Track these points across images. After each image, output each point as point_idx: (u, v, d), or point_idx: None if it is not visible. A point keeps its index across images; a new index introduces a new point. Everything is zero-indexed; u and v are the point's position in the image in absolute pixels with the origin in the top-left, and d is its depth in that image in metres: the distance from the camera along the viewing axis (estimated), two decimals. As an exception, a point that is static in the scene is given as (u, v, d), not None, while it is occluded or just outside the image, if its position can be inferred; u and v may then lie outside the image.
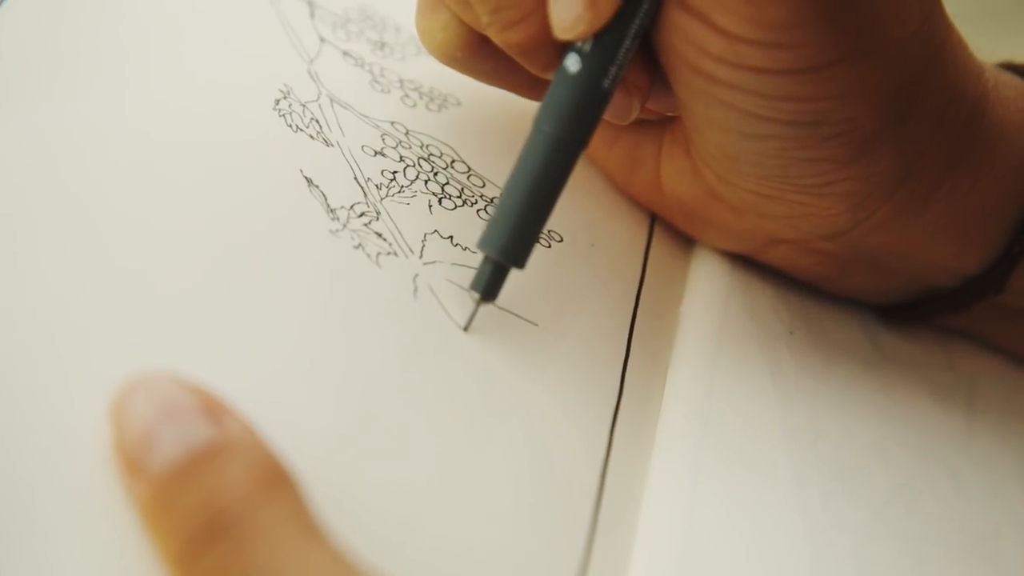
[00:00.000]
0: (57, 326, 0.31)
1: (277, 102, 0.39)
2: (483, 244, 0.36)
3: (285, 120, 0.39)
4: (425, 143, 0.41)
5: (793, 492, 0.37)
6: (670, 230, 0.44)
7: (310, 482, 0.29)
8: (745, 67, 0.34)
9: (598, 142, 0.43)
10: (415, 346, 0.35)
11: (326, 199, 0.37)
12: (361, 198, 0.38)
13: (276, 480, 0.28)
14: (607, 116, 0.37)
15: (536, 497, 0.34)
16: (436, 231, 0.38)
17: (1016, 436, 0.43)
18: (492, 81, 0.39)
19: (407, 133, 0.41)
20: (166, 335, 0.32)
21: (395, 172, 0.39)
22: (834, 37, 0.33)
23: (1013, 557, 0.39)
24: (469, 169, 0.41)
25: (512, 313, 0.38)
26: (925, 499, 0.39)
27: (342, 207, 0.37)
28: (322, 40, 0.43)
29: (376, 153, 0.40)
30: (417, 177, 0.40)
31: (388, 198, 0.38)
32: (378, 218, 0.38)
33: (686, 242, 0.44)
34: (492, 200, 0.41)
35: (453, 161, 0.41)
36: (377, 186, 0.39)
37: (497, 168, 0.41)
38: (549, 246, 0.41)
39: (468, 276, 0.37)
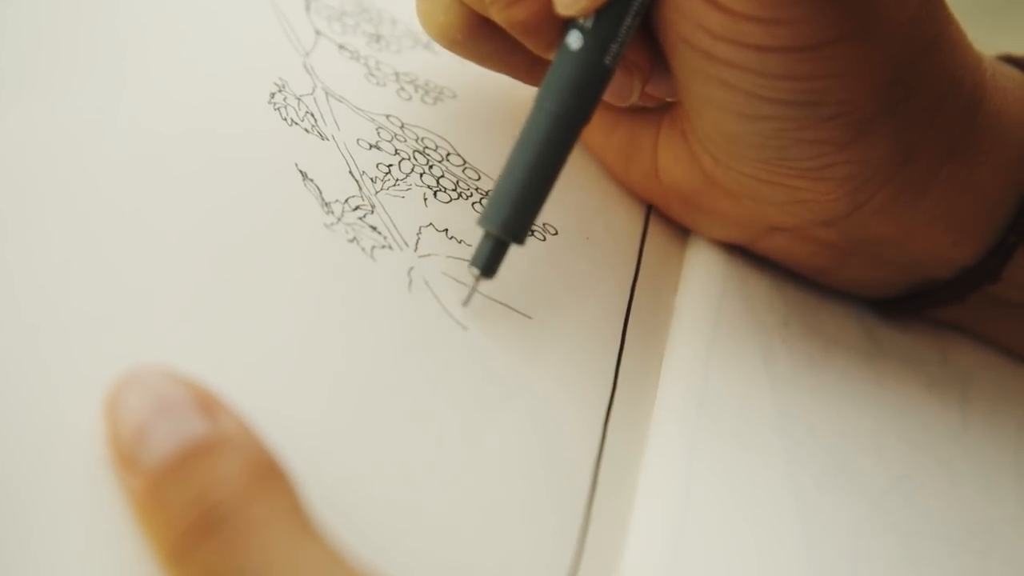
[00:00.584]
0: (51, 321, 0.31)
1: (272, 96, 0.39)
2: (484, 220, 0.36)
3: (280, 114, 0.39)
4: (421, 136, 0.41)
5: (787, 485, 0.37)
6: (665, 222, 0.44)
7: (303, 477, 0.30)
8: (744, 44, 0.34)
9: (596, 130, 0.44)
10: (410, 339, 0.35)
11: (321, 193, 0.37)
12: (356, 192, 0.38)
13: (269, 475, 0.28)
14: (607, 97, 0.37)
15: (531, 488, 0.34)
16: (431, 224, 0.38)
17: (1010, 429, 0.43)
18: (492, 64, 0.39)
19: (403, 126, 0.41)
20: (160, 330, 0.32)
21: (390, 165, 0.39)
22: (833, 15, 0.33)
23: (1006, 549, 0.39)
24: (464, 162, 0.41)
25: (507, 306, 0.38)
26: (919, 492, 0.39)
27: (337, 201, 0.37)
28: (318, 33, 0.43)
29: (371, 146, 0.40)
30: (412, 170, 0.40)
31: (383, 191, 0.38)
32: (373, 211, 0.38)
33: (681, 234, 0.44)
34: (487, 193, 0.41)
35: (448, 154, 0.41)
36: (372, 179, 0.39)
37: (493, 161, 0.41)
38: (544, 239, 0.41)
39: (463, 269, 0.38)
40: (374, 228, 0.37)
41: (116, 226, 0.33)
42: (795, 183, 0.38)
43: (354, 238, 0.36)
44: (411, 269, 0.37)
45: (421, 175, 0.40)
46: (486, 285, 0.38)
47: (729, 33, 0.34)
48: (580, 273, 0.41)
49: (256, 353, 0.33)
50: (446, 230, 0.38)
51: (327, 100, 0.40)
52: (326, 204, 0.37)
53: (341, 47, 0.43)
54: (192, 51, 0.39)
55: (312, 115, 0.39)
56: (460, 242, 0.38)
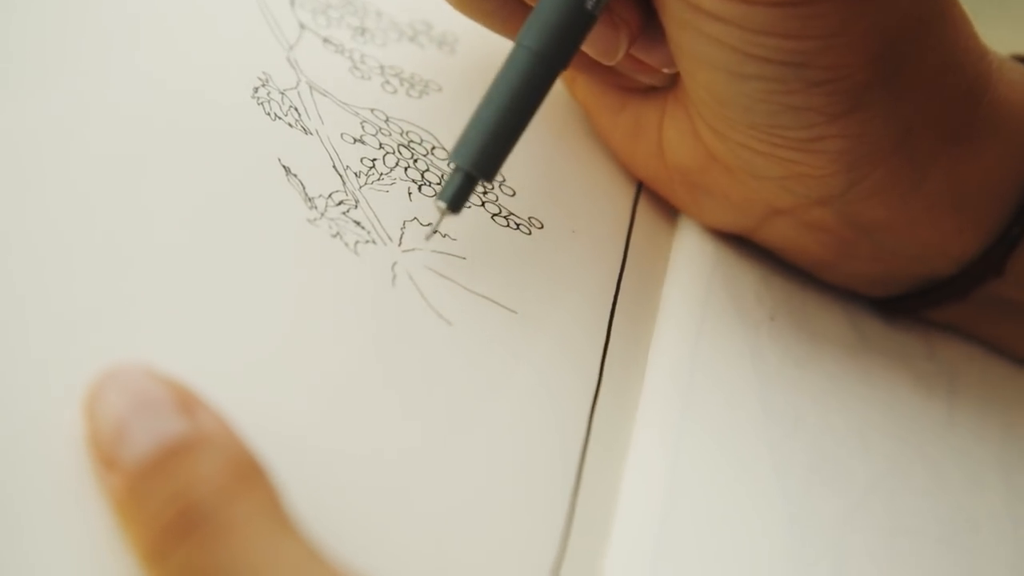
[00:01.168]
0: (29, 318, 0.30)
1: (255, 90, 0.39)
2: (454, 155, 0.36)
3: (263, 108, 0.38)
4: (406, 130, 0.41)
5: (773, 480, 0.37)
6: (653, 215, 0.44)
7: (285, 474, 0.29)
8: None
9: (603, 112, 0.44)
10: (394, 334, 0.35)
11: (304, 188, 0.37)
12: (340, 186, 0.38)
13: (249, 474, 0.28)
14: (595, 54, 0.38)
15: (516, 482, 0.34)
16: (416, 219, 0.38)
17: (995, 425, 0.43)
18: (494, 22, 0.39)
19: (387, 120, 0.41)
20: (140, 327, 0.32)
21: (374, 160, 0.39)
22: None
23: (991, 546, 0.39)
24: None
25: (492, 300, 0.38)
26: (905, 486, 0.39)
27: (320, 196, 0.37)
28: (302, 26, 0.42)
29: (355, 141, 0.39)
30: (397, 164, 0.40)
31: (367, 186, 0.38)
32: (357, 206, 0.37)
33: (668, 227, 0.44)
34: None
35: (434, 148, 0.41)
36: (356, 174, 0.38)
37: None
38: (530, 233, 0.41)
39: (448, 264, 0.38)
40: (358, 223, 0.37)
41: (97, 222, 0.33)
42: (789, 155, 0.38)
43: (337, 233, 0.36)
44: (395, 264, 0.37)
45: (406, 169, 0.40)
46: (474, 280, 0.38)
47: None
48: (566, 267, 0.40)
49: (238, 350, 0.32)
50: (431, 225, 0.38)
51: (311, 94, 0.40)
52: (309, 199, 0.37)
53: (326, 40, 0.43)
54: (175, 45, 0.39)
55: (296, 109, 0.39)
56: (445, 236, 0.38)
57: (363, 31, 0.44)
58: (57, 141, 0.34)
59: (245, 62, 0.40)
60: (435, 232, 0.37)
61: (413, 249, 0.37)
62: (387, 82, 0.42)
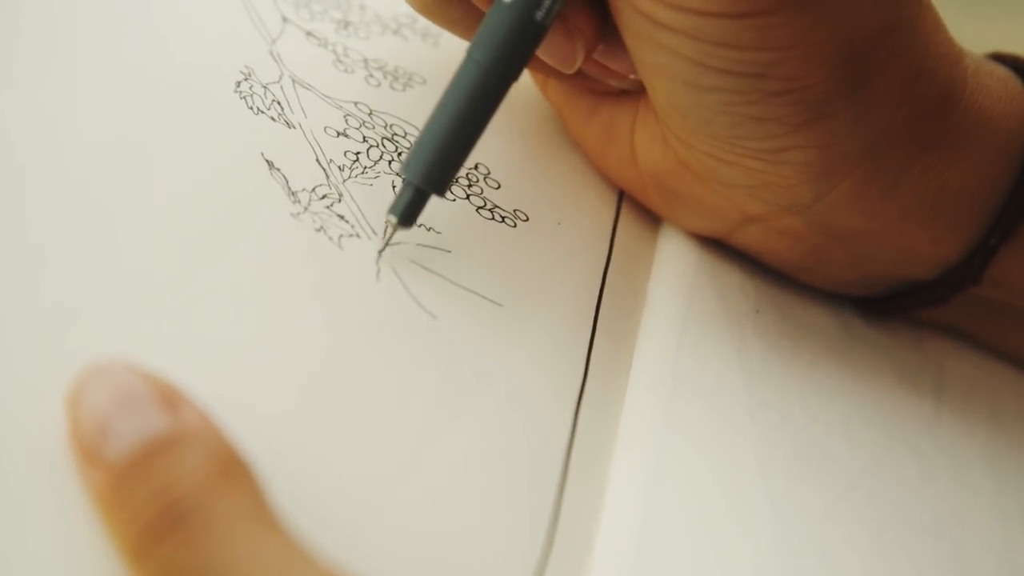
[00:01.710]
0: (11, 314, 0.30)
1: (238, 84, 0.39)
2: (404, 168, 0.36)
3: (246, 102, 0.38)
4: (389, 123, 0.41)
5: (758, 473, 0.37)
6: (638, 209, 0.44)
7: (269, 470, 0.29)
8: (683, 8, 0.34)
9: (576, 116, 0.44)
10: (378, 328, 0.35)
11: (287, 182, 0.37)
12: (323, 180, 0.38)
13: (233, 470, 0.28)
14: (552, 62, 0.38)
15: (502, 477, 0.34)
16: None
17: (982, 419, 0.43)
18: (461, 30, 0.39)
19: (371, 113, 0.41)
20: (123, 322, 0.31)
21: (358, 153, 0.39)
22: None
23: (976, 539, 0.39)
24: (434, 149, 0.41)
25: (476, 293, 0.38)
26: (890, 481, 0.39)
27: (304, 190, 0.37)
28: (285, 20, 0.42)
29: (339, 134, 0.39)
30: (381, 158, 0.40)
31: (351, 179, 0.38)
32: (340, 200, 0.37)
33: (654, 221, 0.44)
34: (456, 179, 0.40)
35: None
36: (340, 168, 0.38)
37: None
38: (515, 226, 0.40)
39: (433, 257, 0.37)
40: (342, 217, 0.37)
41: (79, 216, 0.33)
42: (754, 165, 0.37)
43: (321, 227, 0.36)
44: (379, 258, 0.36)
45: (390, 162, 0.40)
46: (459, 274, 0.37)
47: None
48: (551, 260, 0.40)
49: (221, 345, 0.32)
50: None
51: (294, 88, 0.40)
52: (293, 193, 0.37)
53: (309, 34, 0.42)
54: (156, 38, 0.39)
55: (279, 103, 0.39)
56: (429, 230, 0.38)
57: (346, 24, 0.44)
58: (39, 136, 0.34)
59: (228, 56, 0.39)
60: (387, 246, 0.37)
61: (398, 243, 0.37)
62: (371, 75, 0.42)
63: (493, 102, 0.36)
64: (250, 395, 0.32)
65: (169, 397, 0.29)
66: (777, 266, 0.43)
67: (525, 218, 0.41)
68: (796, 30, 0.34)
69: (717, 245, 0.43)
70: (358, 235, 0.37)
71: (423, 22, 0.45)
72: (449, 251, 0.38)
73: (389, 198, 0.38)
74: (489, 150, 0.42)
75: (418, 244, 0.38)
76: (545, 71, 0.39)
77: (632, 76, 0.40)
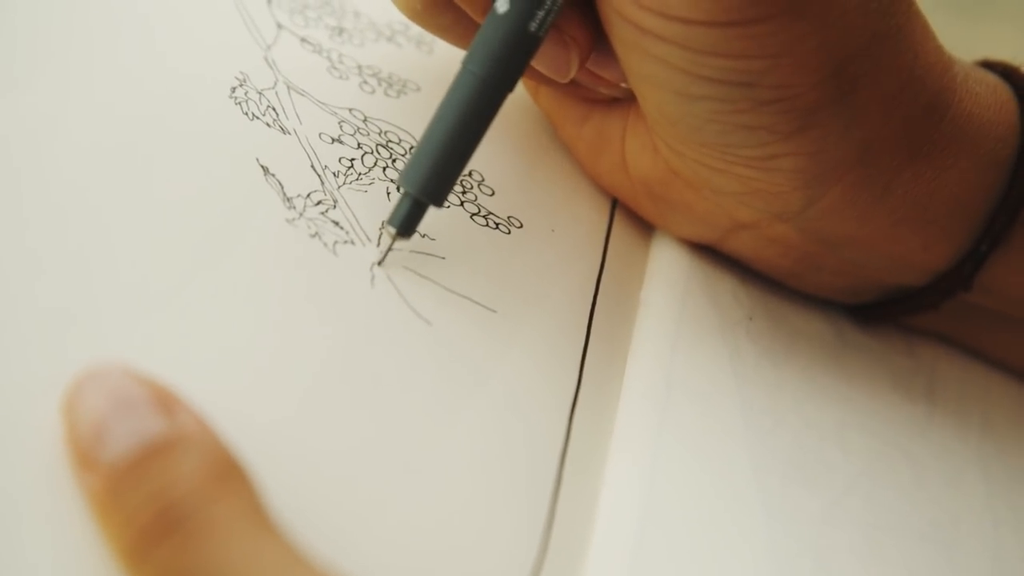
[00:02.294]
0: (8, 318, 0.30)
1: (233, 90, 0.39)
2: (402, 180, 0.36)
3: (241, 108, 0.38)
4: (384, 129, 0.41)
5: (752, 479, 0.37)
6: (631, 215, 0.44)
7: (264, 474, 0.29)
8: (672, 17, 0.34)
9: (568, 122, 0.44)
10: (373, 335, 0.35)
11: (282, 188, 0.37)
12: (318, 186, 0.38)
13: (229, 473, 0.28)
14: (547, 71, 0.38)
15: (496, 481, 0.34)
16: (394, 218, 0.38)
17: (975, 422, 0.43)
18: (451, 37, 0.39)
19: (365, 120, 0.41)
20: (119, 326, 0.31)
21: (353, 159, 0.39)
22: None
23: (970, 544, 0.39)
24: (428, 156, 0.41)
25: (471, 300, 0.38)
26: (884, 485, 0.39)
27: (299, 196, 0.37)
28: (279, 26, 0.42)
29: (334, 140, 0.39)
30: (375, 164, 0.40)
31: (346, 186, 0.38)
32: (335, 206, 0.37)
33: (647, 227, 0.44)
34: (451, 187, 0.40)
35: (412, 148, 0.41)
36: (335, 174, 0.38)
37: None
38: (509, 232, 0.40)
39: (427, 263, 0.37)
40: (336, 223, 0.37)
41: (75, 221, 0.33)
42: (744, 172, 0.38)
43: (316, 233, 0.36)
44: (373, 264, 0.36)
45: (384, 169, 0.40)
46: (453, 280, 0.38)
47: (657, 5, 0.34)
48: (545, 267, 0.40)
49: (216, 350, 0.32)
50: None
51: (289, 94, 0.40)
52: (288, 199, 0.37)
53: (303, 40, 0.42)
54: (152, 45, 0.39)
55: (274, 109, 0.39)
56: (424, 236, 0.38)
57: (341, 31, 0.44)
58: (34, 141, 0.34)
59: (222, 62, 0.40)
60: (386, 256, 0.37)
61: (391, 249, 0.37)
62: (365, 82, 0.42)
63: (489, 113, 0.36)
64: (245, 399, 0.32)
65: (165, 401, 0.29)
66: (768, 272, 0.43)
67: (519, 225, 0.41)
68: (785, 39, 0.34)
69: (710, 252, 0.43)
70: (352, 242, 0.37)
71: (417, 29, 0.45)
72: (443, 257, 0.38)
73: (384, 204, 0.38)
74: (483, 157, 0.42)
75: (412, 251, 0.38)
76: (537, 79, 0.39)
77: (623, 84, 0.40)
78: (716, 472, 0.37)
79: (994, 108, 0.38)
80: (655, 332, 0.40)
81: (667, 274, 0.42)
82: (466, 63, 0.36)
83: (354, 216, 0.37)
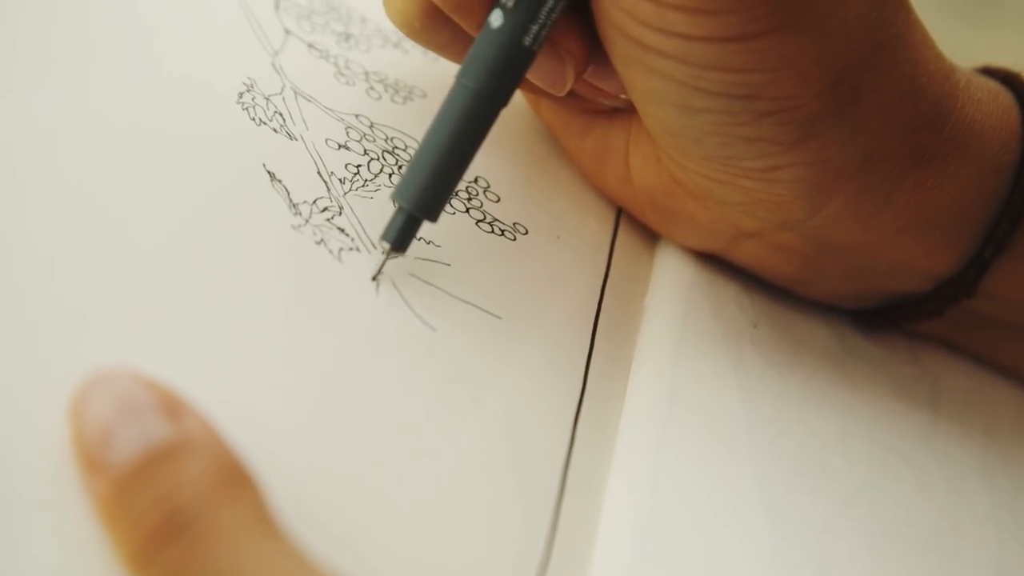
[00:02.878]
0: (16, 322, 0.30)
1: (240, 95, 0.39)
2: (396, 195, 0.36)
3: (248, 113, 0.38)
4: (390, 136, 0.41)
5: (755, 487, 0.37)
6: (636, 223, 0.44)
7: (270, 480, 0.29)
8: (673, 33, 0.34)
9: (570, 134, 0.44)
10: (378, 341, 0.35)
11: (289, 194, 0.37)
12: (324, 193, 0.38)
13: (235, 478, 0.28)
14: (543, 84, 0.38)
15: (500, 489, 0.34)
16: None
17: (978, 432, 0.43)
18: (450, 54, 0.39)
19: (372, 126, 0.41)
20: (126, 331, 0.32)
21: (359, 166, 0.39)
22: (763, 7, 0.33)
23: (974, 553, 0.39)
24: (434, 162, 0.41)
25: (476, 306, 0.38)
26: (887, 493, 0.39)
27: (305, 202, 0.37)
28: (287, 32, 0.42)
29: (340, 146, 0.39)
30: (381, 170, 0.40)
31: (352, 192, 0.38)
32: (341, 213, 0.37)
33: (652, 235, 0.44)
34: (456, 193, 0.41)
35: (416, 156, 0.41)
36: (341, 180, 0.38)
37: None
38: (515, 239, 0.41)
39: (432, 270, 0.38)
40: (342, 230, 0.37)
41: (83, 227, 0.33)
42: (747, 184, 0.38)
43: (322, 240, 0.36)
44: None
45: (390, 175, 0.40)
46: (458, 287, 0.38)
47: (657, 21, 0.34)
48: (550, 273, 0.41)
49: (222, 355, 0.32)
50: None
51: (296, 100, 0.40)
52: (294, 205, 0.37)
53: (310, 46, 0.43)
54: (160, 50, 0.39)
55: (280, 115, 0.39)
56: (429, 243, 0.38)
57: (347, 37, 0.44)
58: (41, 146, 0.34)
59: (230, 67, 0.40)
60: (380, 272, 0.36)
61: (397, 256, 0.37)
62: (372, 88, 0.42)
63: (483, 127, 0.36)
64: (251, 404, 0.32)
65: (171, 405, 0.29)
66: (772, 279, 0.43)
67: (524, 231, 0.41)
68: (786, 52, 0.34)
69: (714, 260, 0.43)
70: (358, 248, 0.37)
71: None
72: (449, 264, 0.38)
73: (389, 211, 0.38)
74: (489, 164, 0.42)
75: (417, 257, 0.38)
76: (535, 92, 0.39)
77: (623, 96, 0.40)
78: (719, 481, 0.37)
79: (996, 114, 0.38)
80: (659, 340, 0.40)
81: (671, 281, 0.42)
82: (460, 77, 0.36)
83: (360, 223, 0.38)
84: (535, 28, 0.35)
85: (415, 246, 0.38)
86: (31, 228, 0.32)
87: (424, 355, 0.36)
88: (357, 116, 0.41)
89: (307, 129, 0.39)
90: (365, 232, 0.37)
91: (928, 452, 0.41)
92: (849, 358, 0.43)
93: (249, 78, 0.40)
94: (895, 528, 0.39)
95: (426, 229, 0.38)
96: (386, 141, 0.41)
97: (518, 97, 0.37)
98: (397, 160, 0.40)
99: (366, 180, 0.39)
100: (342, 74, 0.42)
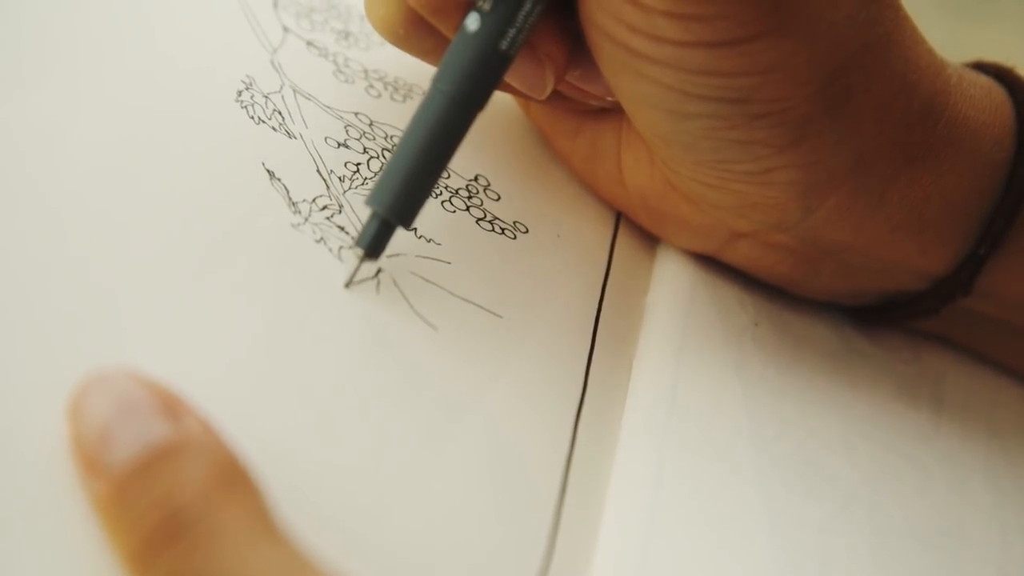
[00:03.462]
0: (13, 323, 0.30)
1: (239, 93, 0.39)
2: (371, 200, 0.35)
3: (247, 112, 0.38)
4: (389, 134, 0.41)
5: (757, 485, 0.37)
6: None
7: (270, 480, 0.29)
8: (662, 39, 0.34)
9: (560, 136, 0.43)
10: (378, 340, 0.35)
11: (288, 192, 0.37)
12: (324, 191, 0.38)
13: (235, 479, 0.28)
14: (522, 88, 0.37)
15: (499, 491, 0.34)
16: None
17: (981, 430, 0.43)
18: (435, 60, 0.39)
19: (371, 124, 0.41)
20: (125, 330, 0.31)
21: (359, 164, 0.39)
22: (752, 11, 0.33)
23: (976, 552, 0.39)
24: (433, 160, 0.41)
25: (477, 305, 0.38)
26: (889, 492, 0.39)
27: (304, 200, 0.37)
28: (285, 30, 0.42)
29: (339, 145, 0.39)
30: (381, 169, 0.40)
31: (351, 190, 0.38)
32: (340, 211, 0.37)
33: (652, 233, 0.44)
34: (457, 191, 0.40)
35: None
36: (340, 178, 0.38)
37: (461, 159, 0.41)
38: (515, 237, 0.40)
39: (432, 268, 0.37)
40: (342, 228, 0.37)
41: (81, 226, 0.33)
42: (740, 187, 0.38)
43: (321, 238, 0.36)
44: (379, 270, 0.36)
45: (390, 174, 0.40)
46: (457, 285, 0.37)
47: (646, 27, 0.34)
48: (551, 272, 0.40)
49: (221, 355, 0.32)
50: (415, 229, 0.38)
51: (295, 98, 0.40)
52: (293, 204, 0.37)
53: (309, 44, 0.42)
54: (158, 48, 0.39)
55: (279, 113, 0.39)
56: (429, 241, 0.38)
57: (347, 35, 0.44)
58: (39, 147, 0.34)
59: (228, 65, 0.39)
60: (352, 281, 0.36)
61: (398, 254, 0.37)
62: (371, 86, 0.42)
63: (459, 132, 0.36)
64: (250, 404, 0.32)
65: (171, 406, 0.29)
66: (767, 279, 0.43)
67: (525, 230, 0.41)
68: (776, 55, 0.34)
69: (715, 258, 0.43)
70: (358, 246, 0.37)
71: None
72: (449, 262, 0.38)
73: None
74: (489, 162, 0.42)
75: (418, 256, 0.38)
76: (517, 95, 0.39)
77: (610, 98, 0.40)
78: (721, 480, 0.37)
79: (989, 110, 0.38)
80: (660, 338, 0.40)
81: (672, 280, 0.42)
82: (436, 81, 0.35)
83: (359, 221, 0.37)
84: (512, 32, 0.35)
85: (416, 244, 0.38)
86: (29, 227, 0.32)
87: (425, 354, 0.35)
88: (356, 114, 0.41)
89: (306, 127, 0.39)
90: (365, 231, 0.37)
91: (930, 451, 0.41)
92: (851, 356, 0.43)
93: (248, 76, 0.39)
94: (897, 527, 0.38)
95: (427, 227, 0.38)
96: (386, 139, 0.41)
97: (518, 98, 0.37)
98: (397, 158, 0.40)
99: (366, 178, 0.39)
100: (341, 72, 0.42)
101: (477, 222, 0.40)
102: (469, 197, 0.40)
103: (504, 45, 0.35)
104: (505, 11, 0.35)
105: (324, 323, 0.34)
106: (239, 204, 0.36)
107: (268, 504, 0.28)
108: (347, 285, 0.36)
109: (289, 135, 0.38)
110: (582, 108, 0.42)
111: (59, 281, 0.31)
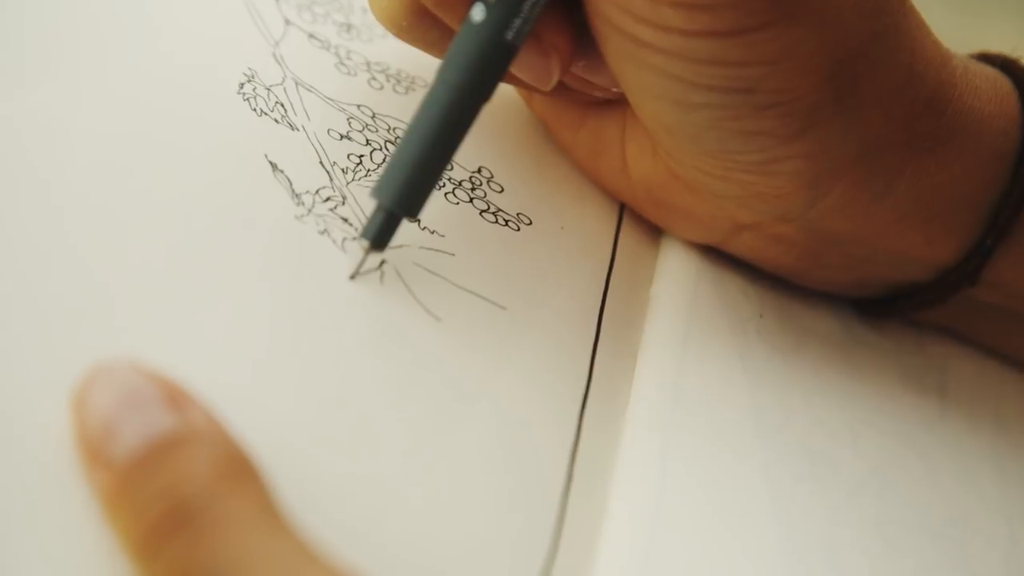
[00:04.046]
0: (17, 315, 0.30)
1: (241, 86, 0.39)
2: (376, 192, 0.35)
3: (249, 104, 0.38)
4: (392, 126, 0.41)
5: (763, 476, 0.37)
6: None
7: (274, 471, 0.29)
8: (669, 29, 0.33)
9: (564, 127, 0.43)
10: (382, 331, 0.35)
11: (291, 184, 0.37)
12: (327, 183, 0.37)
13: (240, 470, 0.28)
14: (528, 79, 0.37)
15: (505, 481, 0.34)
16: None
17: (987, 420, 0.43)
18: (439, 52, 0.39)
19: (374, 116, 0.41)
20: (128, 322, 0.31)
21: (361, 156, 0.39)
22: (758, 1, 0.33)
23: (983, 541, 0.39)
24: (436, 152, 0.41)
25: (480, 296, 0.38)
26: (896, 481, 0.39)
27: (307, 192, 0.37)
28: (287, 22, 0.42)
29: (342, 137, 0.39)
30: (384, 160, 0.39)
31: (354, 182, 0.38)
32: (344, 203, 0.37)
33: (656, 225, 0.44)
34: (460, 183, 0.40)
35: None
36: (343, 170, 0.38)
37: (465, 151, 0.40)
38: (519, 229, 0.40)
39: (436, 260, 0.37)
40: (345, 220, 0.37)
41: (84, 218, 0.33)
42: (745, 177, 0.37)
43: (325, 230, 0.36)
44: (383, 261, 0.36)
45: (393, 166, 0.39)
46: (463, 277, 0.37)
47: (652, 17, 0.33)
48: (555, 263, 0.40)
49: (225, 346, 0.32)
50: (418, 220, 0.38)
51: (297, 90, 0.40)
52: (296, 195, 0.36)
53: (311, 36, 0.42)
54: (160, 43, 0.39)
55: (282, 105, 0.39)
56: (433, 232, 0.38)
57: (349, 27, 0.44)
58: (42, 142, 0.34)
59: (230, 58, 0.39)
60: (358, 272, 0.36)
61: (401, 245, 0.37)
62: (373, 78, 0.42)
63: (464, 123, 0.35)
64: (254, 396, 0.32)
65: (175, 397, 0.29)
66: (772, 270, 0.43)
67: (528, 222, 0.41)
68: (783, 44, 0.34)
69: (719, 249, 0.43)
70: (361, 238, 0.37)
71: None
72: (453, 254, 0.38)
73: (392, 202, 0.38)
74: (492, 154, 0.42)
75: (422, 247, 0.38)
76: (522, 86, 0.39)
77: (615, 89, 0.40)
78: (727, 471, 0.37)
79: (995, 101, 0.38)
80: (665, 329, 0.40)
81: (677, 271, 0.42)
82: (441, 72, 0.35)
83: (363, 212, 0.37)
84: (518, 22, 0.35)
85: (420, 235, 0.38)
86: (32, 220, 0.32)
87: (428, 345, 0.35)
88: (359, 106, 0.41)
89: (308, 120, 0.39)
90: (368, 222, 0.37)
91: (936, 440, 0.41)
92: (856, 347, 0.43)
93: (250, 69, 0.39)
94: (904, 517, 0.38)
95: (431, 219, 0.38)
96: (388, 131, 0.41)
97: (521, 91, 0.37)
98: (400, 150, 0.40)
99: (369, 170, 0.39)
100: (343, 64, 0.42)
101: (481, 214, 0.40)
102: (473, 189, 0.40)
103: (510, 36, 0.35)
104: (511, 1, 0.34)
105: (328, 314, 0.34)
106: (242, 196, 0.35)
107: (272, 494, 0.28)
108: (352, 277, 0.36)
109: (292, 127, 0.38)
110: (586, 100, 0.42)
111: (62, 274, 0.31)
